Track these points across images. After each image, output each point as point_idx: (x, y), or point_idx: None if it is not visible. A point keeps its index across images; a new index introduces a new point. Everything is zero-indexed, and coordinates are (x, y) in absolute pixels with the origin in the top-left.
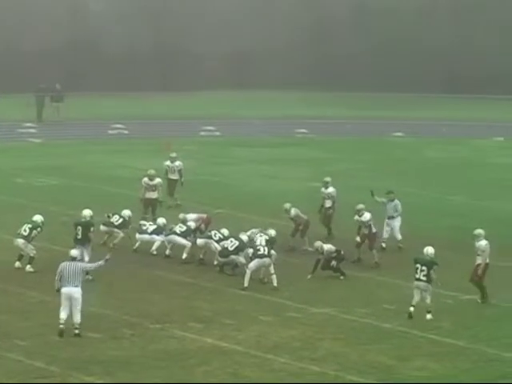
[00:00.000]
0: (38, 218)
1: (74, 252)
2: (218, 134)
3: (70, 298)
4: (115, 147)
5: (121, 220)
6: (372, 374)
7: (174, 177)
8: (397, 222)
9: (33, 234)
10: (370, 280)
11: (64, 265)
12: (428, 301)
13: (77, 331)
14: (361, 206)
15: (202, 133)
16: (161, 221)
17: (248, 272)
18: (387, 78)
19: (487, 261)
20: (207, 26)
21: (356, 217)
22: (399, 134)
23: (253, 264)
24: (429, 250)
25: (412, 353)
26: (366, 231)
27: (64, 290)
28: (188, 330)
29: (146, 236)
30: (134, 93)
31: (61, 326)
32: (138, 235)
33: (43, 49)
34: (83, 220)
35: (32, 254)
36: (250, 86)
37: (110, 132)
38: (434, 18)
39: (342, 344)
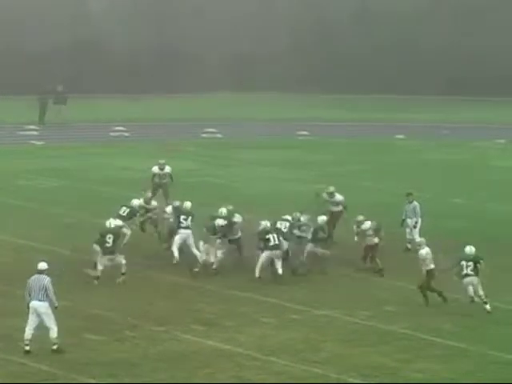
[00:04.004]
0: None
1: (42, 265)
2: (219, 135)
3: (37, 313)
4: (117, 150)
5: (128, 210)
6: (375, 376)
7: (164, 181)
8: (416, 224)
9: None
10: (372, 282)
11: (32, 278)
12: (481, 292)
13: (54, 347)
14: (361, 217)
15: (204, 135)
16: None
17: (259, 263)
18: (388, 80)
19: (431, 267)
20: (209, 28)
21: (355, 227)
22: (401, 136)
23: (265, 255)
24: (472, 249)
25: (415, 355)
26: (368, 242)
27: (31, 304)
28: (190, 333)
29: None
30: (135, 95)
31: (25, 347)
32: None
33: (45, 50)
34: (112, 227)
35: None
36: (251, 87)
37: (112, 134)
38: (434, 19)
39: (344, 346)
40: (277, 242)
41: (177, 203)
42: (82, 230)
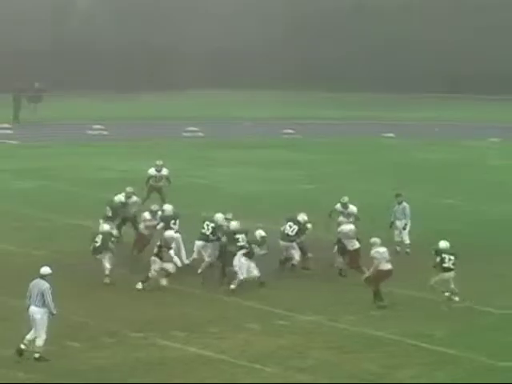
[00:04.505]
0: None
1: (44, 270)
2: (201, 134)
3: (32, 318)
4: (94, 149)
5: (110, 210)
6: (363, 383)
7: (160, 184)
8: (406, 226)
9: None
10: (359, 286)
11: (33, 282)
12: (452, 285)
13: (36, 355)
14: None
15: (185, 133)
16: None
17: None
18: (377, 77)
19: (381, 268)
20: (194, 25)
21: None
22: (390, 135)
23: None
24: (448, 243)
25: (404, 361)
26: (349, 246)
27: (29, 308)
28: (170, 339)
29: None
30: (116, 92)
31: (21, 345)
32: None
33: (25, 47)
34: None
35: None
36: (235, 85)
37: (90, 133)
38: (425, 16)
39: (331, 353)
40: (245, 244)
41: (156, 207)
42: (59, 232)
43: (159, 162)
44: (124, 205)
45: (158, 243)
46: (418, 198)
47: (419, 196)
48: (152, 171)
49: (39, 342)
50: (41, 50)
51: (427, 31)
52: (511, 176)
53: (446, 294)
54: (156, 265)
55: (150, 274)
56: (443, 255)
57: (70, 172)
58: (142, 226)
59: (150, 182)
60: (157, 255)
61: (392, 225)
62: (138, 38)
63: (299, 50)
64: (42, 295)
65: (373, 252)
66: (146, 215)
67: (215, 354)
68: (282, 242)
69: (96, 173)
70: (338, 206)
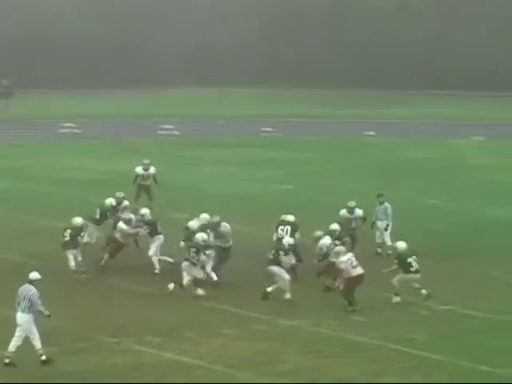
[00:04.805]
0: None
1: (32, 275)
2: (176, 132)
3: (17, 324)
4: (66, 148)
5: (99, 211)
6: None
7: (148, 182)
8: (388, 227)
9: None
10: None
11: (21, 287)
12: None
13: (7, 360)
14: (319, 232)
15: (160, 132)
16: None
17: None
18: (358, 73)
19: (351, 275)
20: (169, 21)
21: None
22: (371, 133)
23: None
24: (405, 244)
25: (385, 367)
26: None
27: (16, 314)
28: (145, 344)
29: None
30: (88, 90)
31: (5, 359)
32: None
33: None
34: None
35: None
36: (211, 82)
37: (61, 131)
38: (410, 12)
39: (310, 358)
40: (208, 243)
41: (130, 215)
42: (30, 234)
43: (146, 161)
44: (114, 208)
45: (194, 248)
46: (402, 198)
47: (402, 196)
48: (139, 170)
49: (12, 348)
50: (10, 45)
51: (411, 28)
52: (496, 175)
53: (397, 298)
54: (192, 270)
55: (184, 282)
56: (408, 260)
57: (41, 172)
58: (118, 234)
59: (138, 180)
60: (189, 260)
61: (373, 225)
62: (112, 34)
63: (277, 46)
64: (29, 300)
65: (338, 262)
66: (122, 225)
67: (191, 359)
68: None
69: (68, 173)
70: (344, 211)
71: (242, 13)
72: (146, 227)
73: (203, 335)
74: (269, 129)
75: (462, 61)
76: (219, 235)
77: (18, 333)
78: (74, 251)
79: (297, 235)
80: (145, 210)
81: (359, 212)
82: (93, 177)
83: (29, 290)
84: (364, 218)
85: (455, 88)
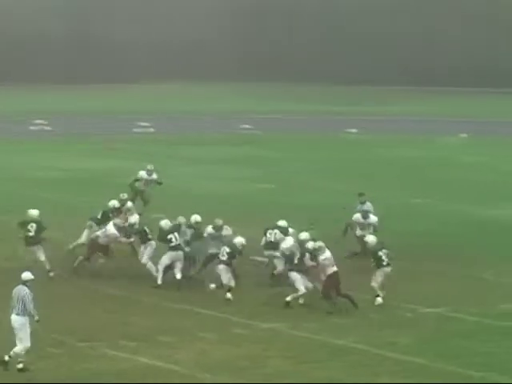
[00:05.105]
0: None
1: (24, 275)
2: (152, 130)
3: (13, 327)
4: (37, 145)
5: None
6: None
7: (146, 188)
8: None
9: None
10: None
11: (15, 289)
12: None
13: (19, 366)
14: (304, 234)
15: (136, 129)
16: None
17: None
18: (339, 68)
19: (333, 270)
20: (142, 14)
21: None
22: (353, 130)
23: (165, 256)
24: (374, 237)
25: (367, 371)
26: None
27: (11, 317)
28: (120, 349)
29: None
30: (58, 85)
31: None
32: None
33: None
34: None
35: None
36: (187, 77)
37: (32, 128)
38: (395, 6)
39: (291, 362)
40: (178, 243)
41: (119, 222)
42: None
43: (150, 167)
44: (117, 210)
45: (228, 250)
46: (386, 198)
47: (386, 195)
48: (143, 174)
49: (18, 349)
50: None
51: (395, 23)
52: (484, 174)
53: (380, 298)
54: (227, 273)
55: (223, 284)
56: (379, 254)
57: (12, 171)
58: (103, 237)
59: (137, 184)
60: (225, 262)
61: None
62: (85, 28)
63: (257, 39)
64: (22, 302)
65: (322, 259)
66: (112, 230)
67: (168, 364)
68: (265, 252)
69: (38, 172)
70: (358, 215)
71: (216, 6)
72: (133, 237)
73: (180, 340)
74: (248, 126)
75: (447, 56)
76: (216, 238)
77: (18, 336)
78: (36, 247)
79: (289, 240)
80: (135, 219)
81: (374, 218)
82: (65, 176)
83: (21, 291)
84: (375, 229)
85: (440, 84)
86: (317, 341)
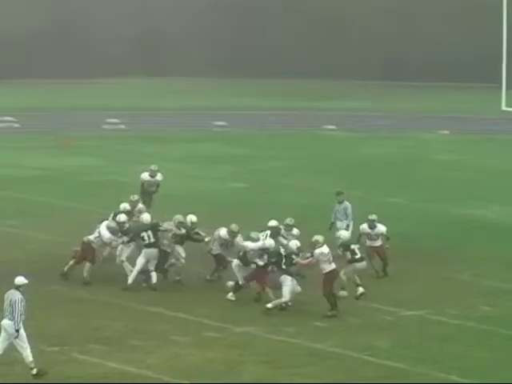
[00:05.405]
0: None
1: (18, 280)
2: (122, 127)
3: (6, 333)
4: (4, 143)
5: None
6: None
7: (152, 189)
8: (348, 227)
9: None
10: (300, 295)
11: (6, 293)
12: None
13: (34, 371)
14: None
15: (105, 126)
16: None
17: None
18: (317, 63)
19: (331, 268)
20: (111, 5)
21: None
22: (331, 127)
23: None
24: (346, 233)
25: (347, 377)
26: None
27: (2, 322)
28: (89, 353)
29: None
30: (24, 80)
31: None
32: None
33: None
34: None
35: None
36: (159, 73)
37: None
38: None
39: (268, 367)
40: (152, 240)
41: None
42: None
43: (154, 167)
44: (130, 213)
45: (243, 252)
46: (363, 197)
47: (364, 194)
48: (145, 176)
49: (29, 358)
50: None
51: (372, 16)
52: (463, 172)
53: (344, 292)
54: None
55: (240, 282)
56: (352, 247)
57: None
58: (96, 242)
59: (144, 187)
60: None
61: (332, 226)
62: (49, 21)
63: (231, 33)
64: (13, 305)
65: (318, 253)
66: (106, 233)
67: (139, 369)
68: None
69: (6, 170)
70: (365, 226)
71: (190, 1)
72: (122, 238)
73: (152, 344)
74: (222, 123)
75: (426, 50)
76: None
77: (17, 342)
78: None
79: (283, 240)
80: (124, 218)
81: (381, 228)
82: (33, 174)
83: (13, 295)
84: (387, 238)
85: (419, 79)
86: (294, 345)
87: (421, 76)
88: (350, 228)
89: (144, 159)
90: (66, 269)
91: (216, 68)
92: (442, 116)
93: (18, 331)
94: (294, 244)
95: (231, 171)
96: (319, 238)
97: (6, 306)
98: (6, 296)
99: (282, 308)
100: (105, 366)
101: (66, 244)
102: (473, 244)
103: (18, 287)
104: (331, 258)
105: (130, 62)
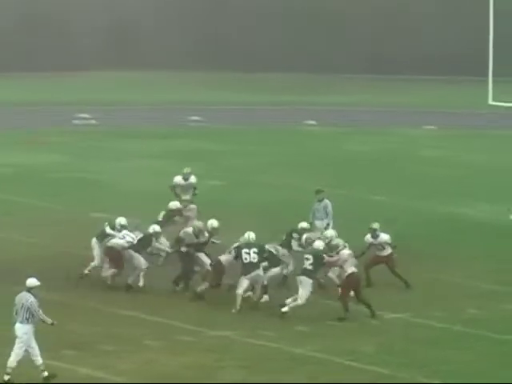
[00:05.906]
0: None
1: (29, 281)
2: (94, 122)
3: (16, 336)
4: None
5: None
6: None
7: (187, 197)
8: (328, 226)
9: None
10: (280, 297)
11: (18, 296)
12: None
13: (44, 374)
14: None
15: (75, 121)
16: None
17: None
18: (298, 56)
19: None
20: None
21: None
22: (312, 122)
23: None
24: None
25: (328, 382)
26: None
27: (14, 326)
28: (59, 359)
29: None
30: None
31: (5, 376)
32: None
33: None
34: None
35: None
36: (133, 65)
37: None
38: None
39: (245, 373)
40: (131, 239)
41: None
42: None
43: (187, 170)
44: (180, 211)
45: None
46: (345, 195)
47: (346, 192)
48: (178, 180)
49: (38, 362)
50: None
51: (355, 7)
52: (450, 169)
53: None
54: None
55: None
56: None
57: None
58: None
59: (176, 191)
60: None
61: (311, 225)
62: (21, 12)
63: (206, 24)
64: (27, 310)
65: (341, 253)
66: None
67: (111, 375)
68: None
69: None
70: (368, 236)
71: None
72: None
73: (124, 348)
74: (197, 118)
75: (413, 44)
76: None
77: (18, 345)
78: None
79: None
80: (124, 221)
81: (384, 237)
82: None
83: (26, 298)
84: (394, 246)
85: (405, 72)
86: (274, 349)
87: (407, 70)
88: (330, 227)
89: (115, 156)
90: (86, 271)
91: (193, 61)
92: (429, 111)
93: (53, 324)
94: (321, 244)
95: (207, 168)
96: (338, 241)
97: (18, 310)
98: (17, 299)
99: (253, 306)
100: (75, 371)
101: (37, 245)
102: (463, 243)
103: (30, 289)
104: (352, 261)
105: (104, 55)
